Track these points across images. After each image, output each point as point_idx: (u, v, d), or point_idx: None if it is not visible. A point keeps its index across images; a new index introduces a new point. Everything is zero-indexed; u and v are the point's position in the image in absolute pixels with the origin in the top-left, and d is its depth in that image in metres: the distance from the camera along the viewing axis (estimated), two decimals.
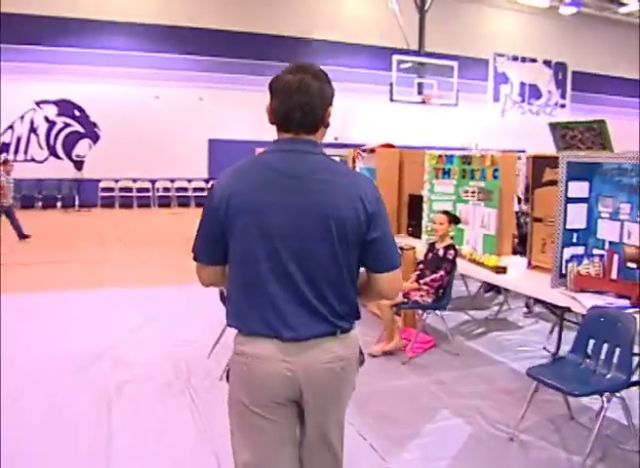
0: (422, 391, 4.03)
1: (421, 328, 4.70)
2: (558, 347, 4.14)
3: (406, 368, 4.47)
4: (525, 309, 5.92)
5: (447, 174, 5.37)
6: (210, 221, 1.77)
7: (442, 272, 4.60)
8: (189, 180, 16.27)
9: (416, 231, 6.11)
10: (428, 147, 8.33)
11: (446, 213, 4.86)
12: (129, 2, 15.38)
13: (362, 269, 1.84)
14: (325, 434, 1.86)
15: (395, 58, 13.66)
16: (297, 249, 1.70)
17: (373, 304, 5.21)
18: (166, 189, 16.06)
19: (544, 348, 4.97)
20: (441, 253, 4.71)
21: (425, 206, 5.40)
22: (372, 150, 6.54)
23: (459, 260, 4.80)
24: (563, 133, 8.21)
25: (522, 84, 21.18)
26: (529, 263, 4.64)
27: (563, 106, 21.94)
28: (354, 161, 7.00)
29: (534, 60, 21.19)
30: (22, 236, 9.79)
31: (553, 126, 8.60)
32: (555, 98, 21.86)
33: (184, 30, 15.78)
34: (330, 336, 1.75)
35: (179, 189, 16.21)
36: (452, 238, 4.90)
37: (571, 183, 3.89)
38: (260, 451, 1.80)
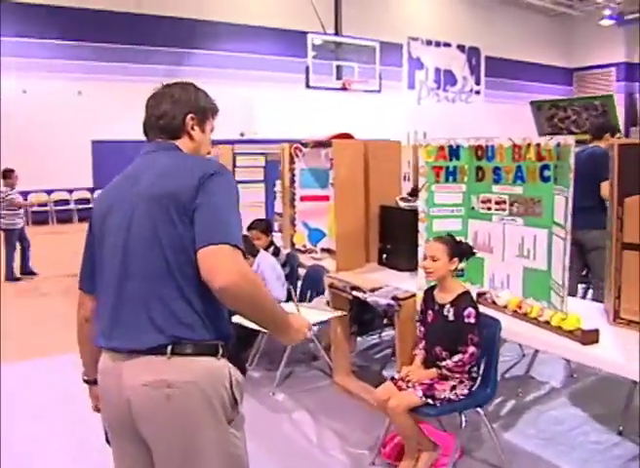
0: None
1: (464, 440, 2.78)
2: None
3: None
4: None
5: (452, 174, 3.50)
6: (87, 242, 1.73)
7: (471, 349, 2.67)
8: (70, 191, 13.50)
9: (393, 260, 4.22)
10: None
11: (443, 239, 2.89)
12: None
13: None
14: None
15: (310, 36, 11.80)
16: (124, 249, 1.56)
17: (372, 404, 3.31)
18: (42, 204, 13.19)
19: (620, 433, 3.28)
20: (451, 315, 2.77)
21: (422, 226, 3.50)
22: (320, 143, 4.57)
23: (494, 313, 2.98)
24: (550, 114, 6.67)
25: (437, 70, 19.94)
26: (615, 316, 2.87)
27: (478, 93, 21.02)
28: (292, 160, 5.00)
29: (447, 45, 20.02)
30: (12, 277, 7.75)
31: (537, 105, 7.03)
32: (470, 84, 20.86)
33: (54, 10, 12.92)
34: (160, 353, 1.48)
35: (58, 202, 13.40)
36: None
37: None
38: None
